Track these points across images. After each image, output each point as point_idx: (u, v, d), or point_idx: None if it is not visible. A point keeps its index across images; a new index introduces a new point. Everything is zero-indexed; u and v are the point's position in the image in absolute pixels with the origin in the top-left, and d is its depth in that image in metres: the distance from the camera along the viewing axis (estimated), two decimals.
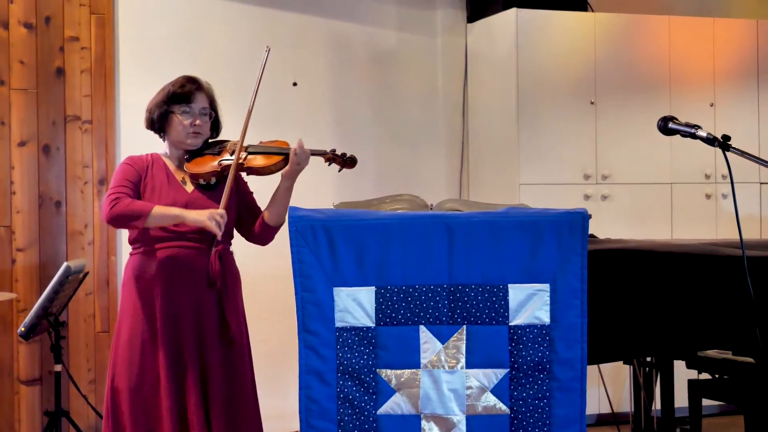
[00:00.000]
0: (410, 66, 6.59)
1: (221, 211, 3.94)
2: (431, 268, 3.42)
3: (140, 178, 4.10)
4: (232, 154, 4.12)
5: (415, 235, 3.43)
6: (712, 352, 5.03)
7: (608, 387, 5.79)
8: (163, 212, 3.95)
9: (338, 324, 3.42)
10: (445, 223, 3.43)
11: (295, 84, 5.92)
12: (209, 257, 4.03)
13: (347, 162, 4.20)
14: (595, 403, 5.96)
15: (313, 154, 4.12)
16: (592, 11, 6.51)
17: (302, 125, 6.26)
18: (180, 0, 6.03)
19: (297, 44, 6.27)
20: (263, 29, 6.22)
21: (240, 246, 6.03)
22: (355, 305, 3.42)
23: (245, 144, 4.18)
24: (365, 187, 6.29)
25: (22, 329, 4.89)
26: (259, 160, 4.13)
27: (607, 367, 5.71)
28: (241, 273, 6.09)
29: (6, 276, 5.63)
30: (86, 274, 5.32)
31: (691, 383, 5.14)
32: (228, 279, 4.11)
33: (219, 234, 3.92)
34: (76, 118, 5.77)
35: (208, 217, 3.90)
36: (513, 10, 6.15)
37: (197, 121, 4.14)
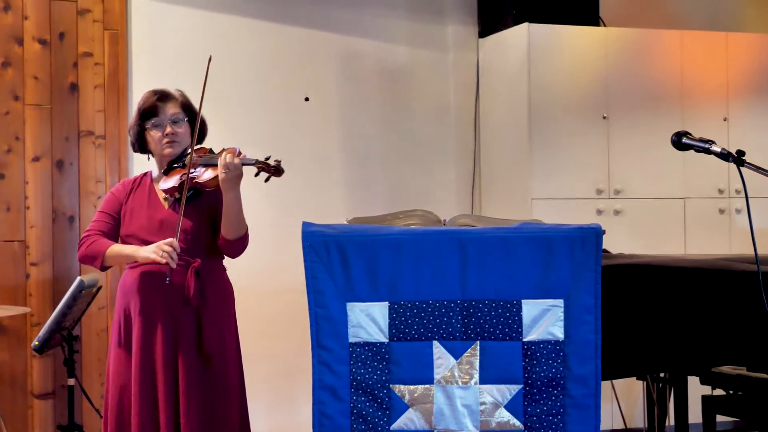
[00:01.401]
0: (422, 81, 6.59)
1: (169, 240, 3.88)
2: (444, 283, 3.42)
3: (120, 205, 4.16)
4: (192, 167, 4.01)
5: (428, 250, 3.43)
6: (726, 368, 5.00)
7: (621, 402, 5.78)
8: (117, 252, 4.03)
9: (351, 339, 3.42)
10: (458, 239, 3.43)
11: (307, 99, 5.93)
12: (186, 274, 3.99)
13: (274, 171, 3.93)
14: (609, 419, 5.94)
15: (243, 164, 3.90)
16: (604, 26, 6.51)
17: (313, 140, 6.27)
18: (192, 16, 6.05)
19: (308, 59, 6.29)
20: (275, 44, 6.23)
21: (251, 261, 6.05)
22: (369, 320, 3.42)
23: (200, 156, 4.07)
24: (376, 203, 6.30)
25: (36, 343, 4.89)
26: (206, 174, 3.99)
27: (620, 383, 5.70)
28: (251, 288, 6.12)
29: (20, 290, 5.64)
30: (99, 288, 5.32)
31: (705, 399, 5.12)
32: (209, 295, 4.05)
33: (172, 265, 3.85)
34: (89, 133, 5.79)
35: (155, 251, 3.87)
36: (524, 25, 6.15)
37: (168, 130, 4.10)
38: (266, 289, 6.11)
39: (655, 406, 5.25)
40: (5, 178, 5.64)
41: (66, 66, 5.77)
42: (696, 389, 5.17)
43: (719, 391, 5.26)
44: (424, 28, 6.60)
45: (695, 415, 4.98)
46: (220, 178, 3.88)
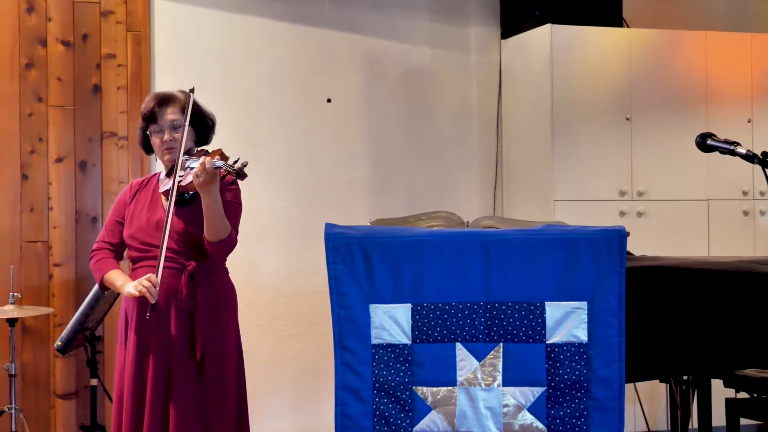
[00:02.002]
0: (444, 83, 6.58)
1: (148, 276, 3.90)
2: (468, 285, 3.41)
3: (125, 208, 4.21)
4: (180, 170, 4.01)
5: (452, 252, 3.42)
6: (750, 371, 4.98)
7: (644, 405, 5.76)
8: (111, 281, 4.12)
9: (374, 341, 3.41)
10: (481, 241, 3.42)
11: (329, 100, 5.93)
12: (179, 279, 4.00)
13: (236, 174, 3.84)
14: (631, 422, 5.91)
15: (215, 168, 3.84)
16: (628, 27, 6.48)
17: (336, 141, 6.27)
18: (215, 17, 6.06)
19: (331, 61, 6.29)
20: (297, 46, 6.24)
21: (274, 262, 6.08)
22: (391, 322, 3.41)
23: (186, 158, 4.06)
24: (398, 204, 6.29)
25: (59, 343, 4.92)
26: (189, 177, 3.96)
27: (643, 385, 5.67)
28: (274, 289, 6.14)
29: (43, 291, 5.67)
30: None
31: (729, 402, 5.09)
32: (204, 299, 4.03)
33: (151, 300, 3.87)
34: (112, 134, 5.80)
35: (135, 287, 3.90)
36: (547, 26, 6.13)
37: (166, 137, 4.11)
38: (289, 290, 6.12)
39: (678, 409, 5.23)
40: (29, 179, 5.66)
41: (89, 67, 5.79)
42: (719, 392, 5.15)
43: (743, 394, 5.23)
44: (447, 29, 6.58)
45: (719, 418, 4.95)
46: (194, 182, 3.86)
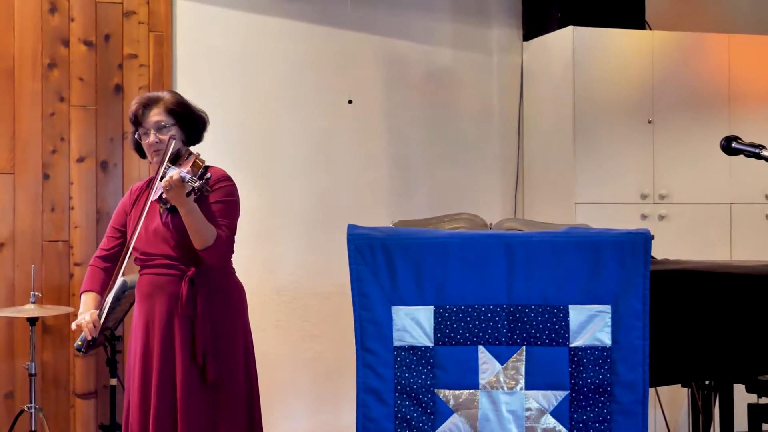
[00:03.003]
0: (465, 84, 6.57)
1: (91, 311, 4.07)
2: (490, 287, 3.40)
3: (126, 216, 4.23)
4: (160, 180, 3.95)
5: (475, 254, 3.41)
6: None
7: (666, 410, 5.72)
8: (81, 301, 4.22)
9: (396, 343, 3.40)
10: (504, 243, 3.41)
11: (350, 101, 5.93)
12: (180, 285, 4.01)
13: (200, 191, 3.80)
14: (653, 426, 5.88)
15: (182, 181, 3.77)
16: (650, 29, 6.45)
17: (357, 142, 6.27)
18: (237, 18, 6.06)
19: (352, 62, 6.28)
20: (319, 47, 6.23)
21: (295, 263, 6.07)
22: (414, 324, 3.40)
23: (167, 166, 3.98)
24: (419, 206, 6.28)
25: (79, 343, 4.91)
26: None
27: (664, 390, 5.64)
28: (295, 290, 6.13)
29: (64, 290, 5.68)
30: None
31: (751, 407, 5.05)
32: (205, 304, 4.02)
33: (87, 336, 4.02)
34: None
35: (76, 323, 4.07)
36: (569, 28, 6.11)
37: (151, 139, 4.08)
38: (309, 291, 6.11)
39: (700, 413, 5.20)
40: (50, 178, 5.67)
41: (111, 67, 5.80)
42: (742, 397, 5.11)
43: (765, 399, 5.19)
44: (469, 30, 6.57)
45: (740, 423, 4.92)
46: (164, 195, 3.85)
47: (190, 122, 4.17)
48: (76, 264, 5.69)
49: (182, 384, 3.97)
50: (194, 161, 3.87)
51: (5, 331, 5.56)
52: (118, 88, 5.80)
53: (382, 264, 3.41)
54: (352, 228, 3.45)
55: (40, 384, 5.60)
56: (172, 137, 4.05)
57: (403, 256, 3.41)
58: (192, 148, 4.13)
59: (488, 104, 6.61)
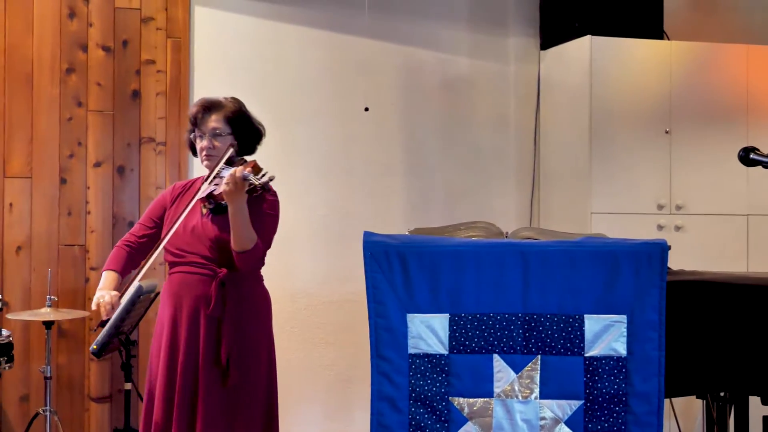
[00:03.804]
0: (482, 93, 6.57)
1: (113, 293, 4.05)
2: (506, 296, 3.39)
3: (164, 210, 4.27)
4: (215, 178, 4.07)
5: (490, 262, 3.40)
6: None
7: (680, 421, 5.70)
8: (101, 278, 4.20)
9: (411, 351, 3.40)
10: (520, 252, 3.41)
11: (366, 109, 5.93)
12: (210, 286, 4.04)
13: (262, 188, 3.92)
14: None
15: (243, 180, 3.87)
16: (668, 39, 6.44)
17: (372, 150, 6.27)
18: (254, 25, 6.08)
19: (369, 70, 6.29)
20: (336, 54, 6.24)
21: (311, 270, 6.08)
22: (429, 332, 3.40)
23: (223, 167, 4.10)
24: (435, 214, 6.28)
25: (94, 347, 4.92)
26: (222, 186, 3.99)
27: (679, 401, 5.62)
28: (310, 297, 6.13)
29: (79, 294, 5.69)
30: (157, 294, 5.35)
31: (767, 420, 5.03)
32: (233, 307, 4.05)
33: (102, 316, 4.01)
34: (150, 140, 5.83)
35: (96, 299, 4.05)
36: (587, 38, 6.10)
37: (205, 144, 4.15)
38: (324, 298, 6.12)
39: (714, 425, 5.17)
40: (67, 182, 5.69)
41: (129, 73, 5.82)
42: (757, 409, 5.08)
43: None
44: (486, 39, 6.57)
45: None
46: (223, 191, 3.90)
47: (246, 133, 4.24)
48: (92, 268, 5.71)
49: (204, 384, 3.99)
50: (254, 164, 3.97)
51: (21, 335, 5.58)
52: (136, 94, 5.82)
53: (398, 271, 3.41)
54: (368, 235, 3.45)
55: (56, 387, 5.61)
56: (232, 144, 4.14)
57: (418, 263, 3.41)
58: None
59: (505, 113, 6.61)
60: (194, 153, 4.30)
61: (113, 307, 4.00)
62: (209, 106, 4.18)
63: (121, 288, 4.15)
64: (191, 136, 4.25)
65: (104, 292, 4.04)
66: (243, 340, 4.06)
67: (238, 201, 3.89)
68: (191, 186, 4.29)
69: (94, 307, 4.04)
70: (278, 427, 4.21)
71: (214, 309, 4.00)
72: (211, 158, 4.16)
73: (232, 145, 4.13)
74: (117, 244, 4.31)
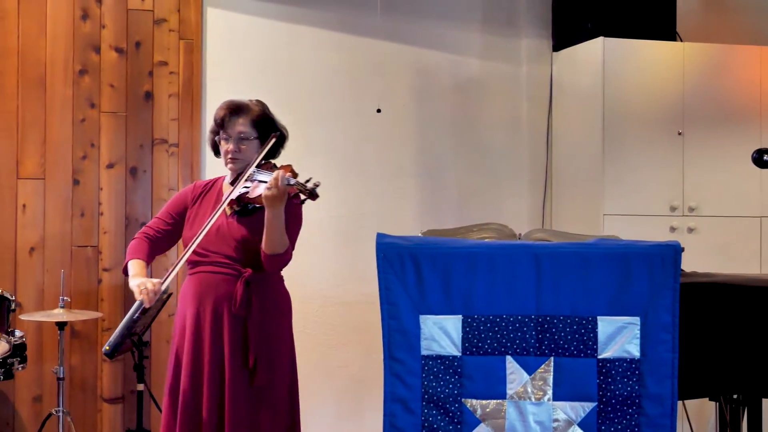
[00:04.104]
0: (494, 94, 6.56)
1: (154, 280, 3.97)
2: (519, 298, 3.39)
3: (186, 209, 4.26)
4: (246, 181, 4.07)
5: (503, 264, 3.41)
6: None
7: (693, 423, 5.69)
8: (129, 267, 4.15)
9: (424, 352, 3.40)
10: (533, 253, 3.41)
11: (379, 110, 5.93)
12: (235, 285, 4.04)
13: (308, 194, 3.93)
14: None
15: (287, 185, 3.88)
16: (681, 41, 6.43)
17: (385, 152, 6.27)
18: (267, 26, 6.08)
19: (381, 71, 6.29)
20: (348, 55, 6.24)
21: (323, 271, 6.08)
22: (441, 333, 3.40)
23: (255, 171, 4.10)
24: (447, 215, 6.28)
25: (107, 348, 4.91)
26: (258, 190, 4.01)
27: (691, 403, 5.61)
28: (322, 298, 6.13)
29: (92, 295, 5.70)
30: (170, 295, 5.35)
31: None
32: (259, 306, 4.07)
33: (146, 304, 3.93)
34: (163, 141, 5.84)
35: (138, 285, 3.96)
36: (599, 39, 6.09)
37: (230, 147, 4.15)
38: (336, 299, 6.12)
39: (727, 427, 5.16)
40: (80, 184, 5.70)
41: (141, 74, 5.83)
42: None
43: None
44: (498, 41, 6.57)
45: None
46: (263, 194, 3.89)
47: (271, 136, 4.23)
48: (104, 269, 5.72)
49: (231, 385, 4.00)
50: (291, 168, 3.99)
51: (34, 336, 5.59)
52: (148, 95, 5.83)
53: (411, 273, 3.41)
54: (380, 237, 3.46)
55: (68, 388, 5.62)
56: (270, 142, 4.16)
57: (431, 265, 3.41)
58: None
59: (517, 115, 6.61)
60: (216, 154, 4.31)
61: (156, 294, 3.94)
62: (236, 109, 4.18)
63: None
64: (215, 138, 4.24)
65: (145, 280, 3.98)
66: (267, 340, 4.08)
67: (278, 206, 3.90)
68: (212, 186, 4.29)
69: (137, 296, 3.95)
70: (300, 427, 4.22)
71: (240, 308, 4.00)
72: (236, 162, 4.16)
73: (268, 143, 4.16)
74: (136, 236, 4.28)
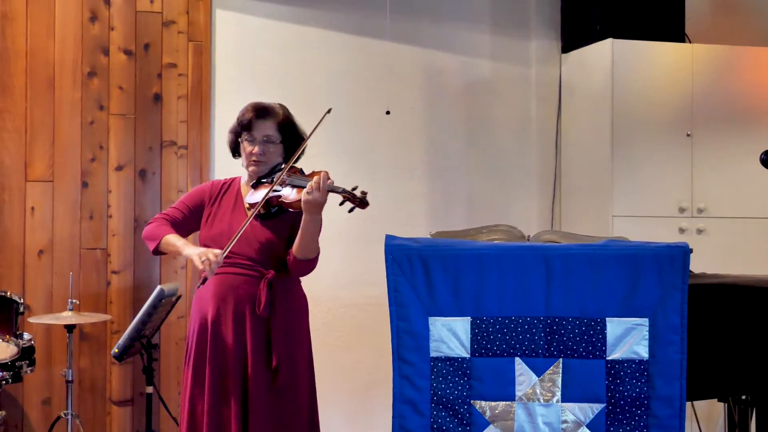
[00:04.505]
0: (503, 96, 6.56)
1: (216, 251, 3.91)
2: (528, 299, 3.39)
3: (202, 205, 4.24)
4: (279, 185, 4.06)
5: (513, 266, 3.40)
6: None
7: (702, 424, 5.68)
8: (172, 241, 4.09)
9: (433, 354, 3.40)
10: (543, 255, 3.40)
11: (388, 112, 5.93)
12: (259, 284, 4.04)
13: (359, 203, 3.92)
14: None
15: (330, 191, 3.91)
16: (690, 42, 6.42)
17: (394, 154, 6.27)
18: (276, 28, 6.09)
19: (390, 73, 6.29)
20: (358, 57, 6.25)
21: (332, 273, 6.08)
22: (451, 335, 3.40)
23: (289, 175, 4.10)
24: (456, 217, 6.28)
25: (116, 350, 4.94)
26: (293, 194, 4.01)
27: (700, 404, 5.61)
28: (330, 300, 6.14)
29: (101, 298, 5.71)
30: (179, 297, 5.36)
31: None
32: (280, 308, 4.08)
33: (208, 275, 3.88)
34: (172, 143, 5.84)
35: (200, 255, 3.90)
36: (608, 41, 6.09)
37: (256, 150, 4.14)
38: (345, 301, 6.12)
39: (736, 428, 5.15)
40: (89, 186, 5.71)
41: (150, 76, 5.83)
42: None
43: None
44: (508, 42, 6.57)
45: None
46: (303, 199, 3.89)
47: (294, 140, 4.25)
48: (113, 272, 5.73)
49: (254, 386, 4.01)
50: (327, 174, 3.97)
51: (43, 338, 5.60)
52: (157, 97, 5.83)
53: (420, 275, 3.41)
54: (389, 238, 3.46)
55: (77, 391, 5.63)
56: (303, 146, 4.15)
57: (440, 267, 3.41)
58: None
59: (526, 116, 6.60)
60: (234, 154, 4.30)
61: (217, 265, 3.89)
62: (263, 112, 4.19)
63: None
64: (238, 138, 4.23)
65: (206, 250, 3.94)
66: (289, 341, 4.10)
67: (318, 211, 3.94)
68: (229, 187, 4.27)
69: (198, 264, 3.90)
70: (319, 427, 4.24)
71: (264, 309, 4.01)
72: (259, 165, 4.17)
73: (300, 150, 4.15)
74: (154, 220, 4.24)
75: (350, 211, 3.95)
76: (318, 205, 3.90)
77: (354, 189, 3.91)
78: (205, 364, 4.06)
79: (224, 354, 4.03)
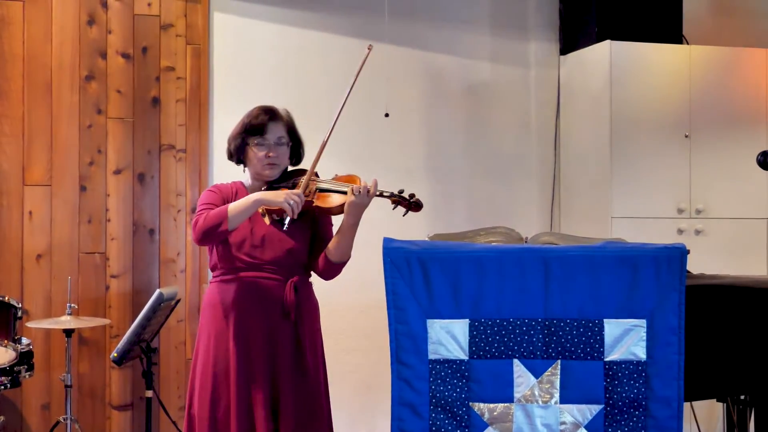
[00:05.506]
0: (503, 98, 6.56)
1: (299, 191, 3.93)
2: (526, 301, 3.40)
3: (225, 204, 4.15)
4: (305, 189, 4.03)
5: (511, 268, 3.40)
6: None
7: (701, 425, 5.68)
8: (238, 206, 3.93)
9: (431, 356, 3.40)
10: (541, 257, 3.40)
11: (387, 115, 5.93)
12: (284, 288, 4.04)
13: (413, 206, 3.98)
14: None
15: (378, 196, 3.96)
16: (688, 44, 6.42)
17: (394, 156, 6.27)
18: (275, 31, 6.09)
19: (390, 75, 6.28)
20: (356, 60, 6.22)
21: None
22: (449, 338, 3.40)
23: (315, 179, 4.11)
24: (456, 219, 6.28)
25: (115, 355, 4.94)
26: (327, 200, 4.02)
27: (699, 405, 5.60)
28: (330, 303, 6.12)
29: (100, 302, 5.71)
30: (178, 301, 5.36)
31: None
32: (304, 310, 4.10)
33: (293, 215, 3.87)
34: (170, 147, 5.84)
35: (285, 199, 3.87)
36: (607, 43, 6.09)
37: (271, 153, 4.14)
38: (345, 304, 6.11)
39: (735, 428, 5.15)
40: (87, 190, 5.71)
41: (148, 80, 5.83)
42: None
43: None
44: (507, 44, 6.57)
45: None
46: (347, 201, 3.93)
47: (298, 144, 4.30)
48: (112, 276, 5.73)
49: (284, 389, 4.01)
50: (359, 178, 4.04)
51: (42, 343, 5.60)
52: (156, 101, 5.83)
53: (418, 277, 3.41)
54: (387, 241, 3.46)
55: (76, 395, 5.63)
56: (323, 148, 4.18)
57: (439, 269, 3.41)
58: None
59: (525, 118, 6.61)
60: (239, 159, 4.22)
61: (300, 207, 3.89)
62: (273, 116, 4.19)
63: None
64: (246, 142, 4.15)
65: (289, 191, 3.92)
66: (312, 342, 4.14)
67: (360, 215, 3.99)
68: (237, 193, 4.19)
69: (286, 206, 3.85)
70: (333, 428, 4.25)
71: (293, 312, 4.02)
72: (274, 168, 4.15)
73: (321, 152, 4.18)
74: (202, 211, 4.02)
75: (404, 214, 4.04)
76: (362, 209, 3.97)
77: (401, 192, 3.98)
78: (228, 368, 4.02)
79: (250, 358, 4.00)
